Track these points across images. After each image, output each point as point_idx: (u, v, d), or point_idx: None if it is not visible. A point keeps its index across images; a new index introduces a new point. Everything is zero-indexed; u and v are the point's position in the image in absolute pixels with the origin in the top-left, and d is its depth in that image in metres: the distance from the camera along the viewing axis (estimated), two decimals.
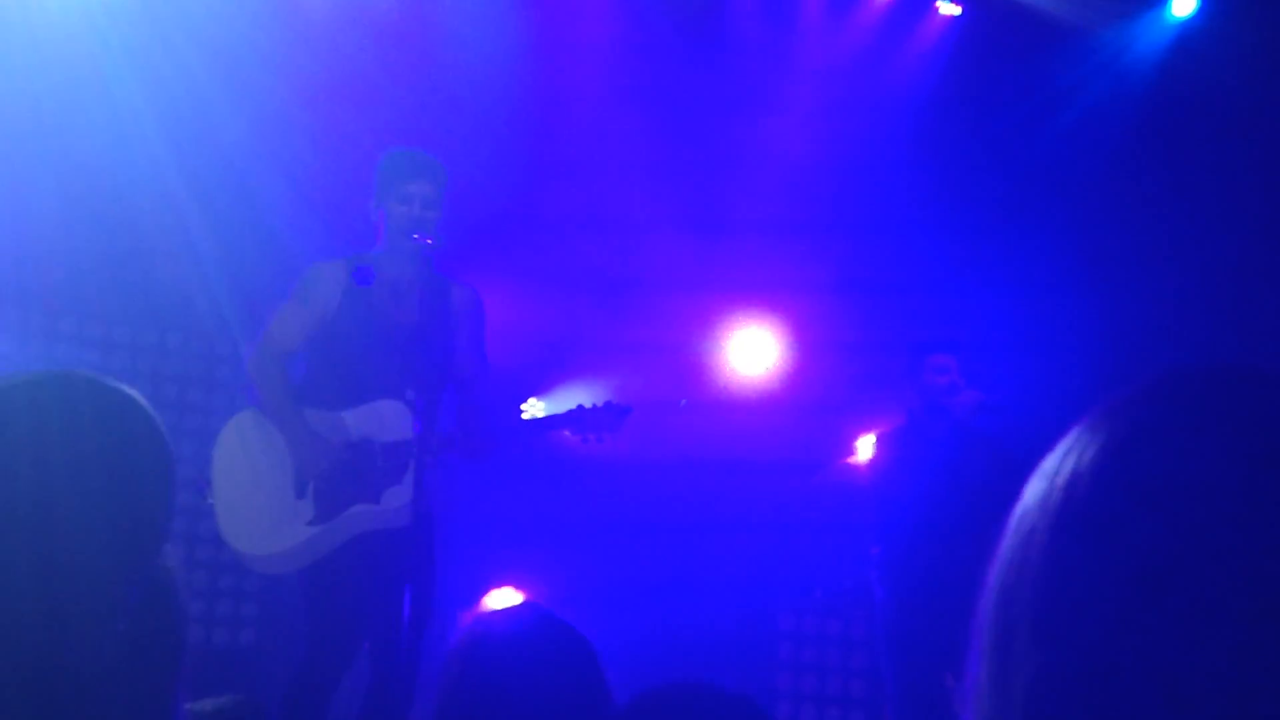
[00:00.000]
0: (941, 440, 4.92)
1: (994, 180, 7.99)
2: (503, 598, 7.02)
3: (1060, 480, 0.73)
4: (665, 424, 7.91)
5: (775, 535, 7.62)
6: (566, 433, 4.28)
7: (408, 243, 4.20)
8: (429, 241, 4.05)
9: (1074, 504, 0.71)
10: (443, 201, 4.33)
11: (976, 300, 7.99)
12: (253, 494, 4.14)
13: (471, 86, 7.32)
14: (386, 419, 4.28)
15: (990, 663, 0.73)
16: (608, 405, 4.26)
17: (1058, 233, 7.92)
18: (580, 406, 4.26)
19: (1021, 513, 0.75)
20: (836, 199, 8.00)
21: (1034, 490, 0.75)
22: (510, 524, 7.60)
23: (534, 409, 8.24)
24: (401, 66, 7.01)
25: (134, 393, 1.45)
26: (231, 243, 6.77)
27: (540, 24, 7.42)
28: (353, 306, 4.30)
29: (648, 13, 7.55)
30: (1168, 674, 0.64)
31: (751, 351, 8.41)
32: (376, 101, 6.82)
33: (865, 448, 7.92)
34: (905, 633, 4.72)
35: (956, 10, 7.84)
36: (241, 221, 6.79)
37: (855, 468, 7.68)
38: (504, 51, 7.38)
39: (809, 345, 8.36)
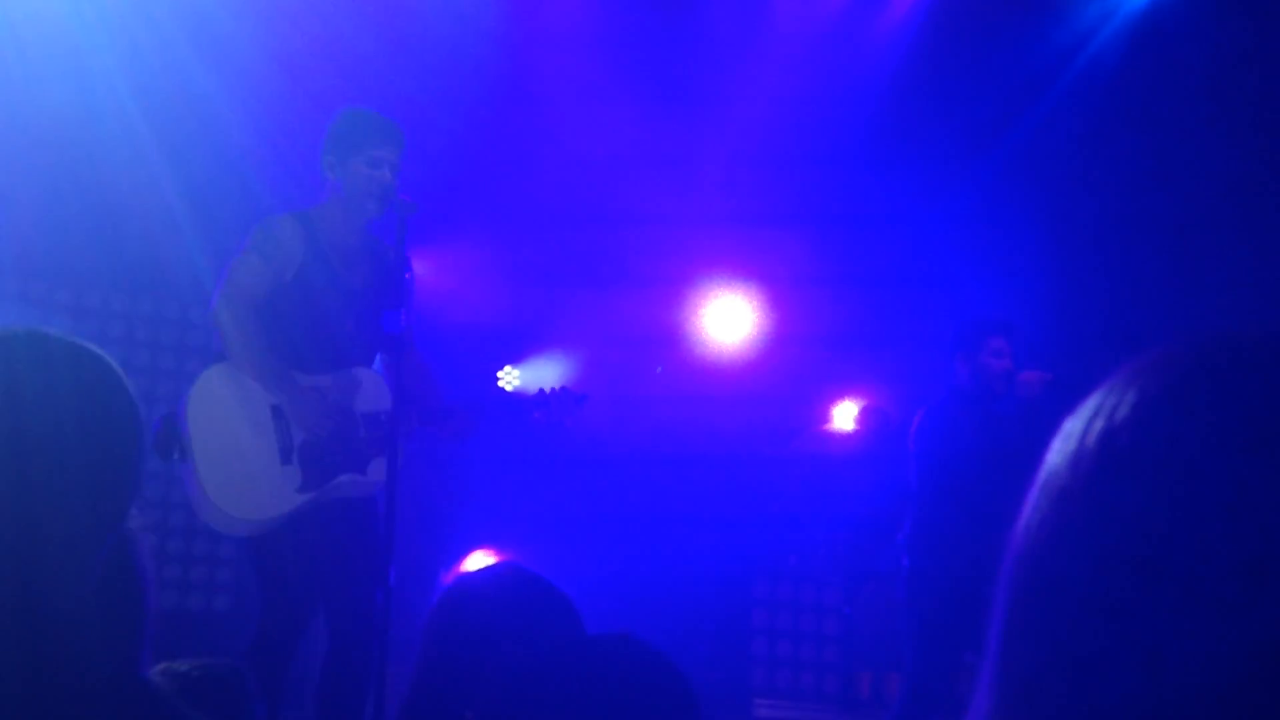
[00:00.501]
0: (1007, 420, 4.87)
1: (970, 149, 7.99)
2: (481, 559, 7.03)
3: (1092, 439, 0.71)
4: (642, 391, 7.92)
5: (750, 502, 7.65)
6: (533, 414, 4.40)
7: (374, 205, 4.12)
8: (413, 203, 3.94)
9: (1113, 457, 0.70)
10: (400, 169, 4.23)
11: (956, 273, 8.02)
12: (241, 456, 3.92)
13: (448, 54, 7.26)
14: (364, 388, 4.19)
15: (1015, 623, 0.72)
16: (564, 392, 4.37)
17: (1033, 206, 7.95)
18: (540, 391, 4.35)
19: (1048, 476, 0.73)
20: (812, 170, 7.99)
21: (1061, 452, 0.73)
22: (490, 490, 7.62)
23: (510, 377, 8.24)
24: (380, 28, 6.95)
25: (101, 352, 1.43)
26: (206, 206, 6.72)
27: (517, 2, 7.37)
28: (313, 268, 4.12)
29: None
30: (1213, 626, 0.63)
31: (727, 319, 8.42)
32: (353, 63, 6.76)
33: (841, 415, 7.96)
34: (932, 610, 4.70)
35: None
36: (216, 186, 6.73)
37: (831, 435, 7.71)
38: (482, 23, 7.33)
39: (784, 314, 8.38)
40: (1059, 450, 0.74)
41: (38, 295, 6.84)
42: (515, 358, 8.25)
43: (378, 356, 4.36)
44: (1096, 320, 7.47)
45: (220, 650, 4.06)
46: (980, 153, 7.92)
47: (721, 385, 8.23)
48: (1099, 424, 0.72)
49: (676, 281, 8.21)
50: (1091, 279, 7.83)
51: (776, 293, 8.41)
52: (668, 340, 8.27)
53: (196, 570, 6.83)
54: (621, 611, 6.59)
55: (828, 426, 7.99)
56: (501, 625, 1.98)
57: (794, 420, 7.95)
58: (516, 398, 4.53)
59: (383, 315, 3.88)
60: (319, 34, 6.74)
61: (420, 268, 4.57)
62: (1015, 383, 4.96)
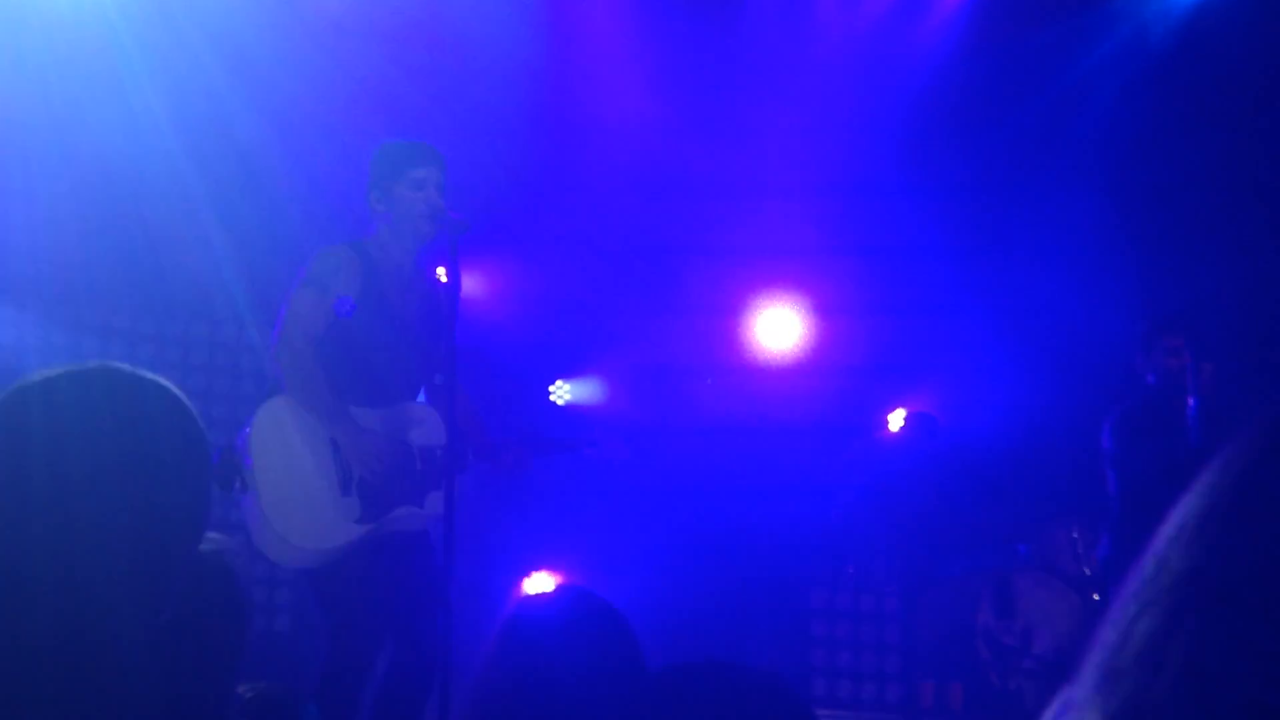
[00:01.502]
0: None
1: (1014, 151, 7.92)
2: (540, 582, 7.03)
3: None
4: (693, 404, 7.90)
5: (807, 511, 7.60)
6: (586, 449, 4.60)
7: (426, 227, 4.13)
8: (463, 222, 3.94)
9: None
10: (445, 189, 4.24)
11: (999, 277, 7.95)
12: (303, 486, 3.94)
13: (484, 71, 7.29)
14: (420, 422, 4.20)
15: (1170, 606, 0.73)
16: (616, 429, 4.44)
17: (1083, 208, 7.86)
18: (592, 428, 4.44)
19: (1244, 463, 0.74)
20: (859, 174, 7.95)
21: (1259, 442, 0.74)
22: (544, 510, 7.62)
23: (561, 391, 8.25)
24: (413, 57, 6.99)
25: (169, 384, 1.45)
26: (246, 233, 6.78)
27: (554, 8, 7.38)
28: (370, 299, 4.13)
29: (660, 11, 7.49)
30: None
31: (778, 327, 8.38)
32: (387, 91, 6.81)
33: (895, 423, 7.90)
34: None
35: None
36: (256, 212, 6.79)
37: (886, 443, 7.65)
38: (517, 37, 7.35)
39: (835, 321, 8.33)
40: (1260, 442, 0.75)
41: (94, 323, 6.93)
42: (566, 372, 8.25)
43: (423, 389, 4.37)
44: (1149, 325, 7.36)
45: (279, 673, 4.08)
46: (1030, 162, 7.84)
47: (773, 396, 8.19)
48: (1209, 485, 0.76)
49: (727, 292, 8.18)
50: (1151, 284, 7.72)
51: (826, 301, 8.36)
52: (718, 352, 8.25)
53: (257, 591, 6.88)
54: (678, 624, 6.56)
55: (882, 434, 7.93)
56: (563, 650, 1.98)
57: (848, 429, 7.89)
58: (569, 431, 4.57)
59: (443, 342, 3.93)
60: (356, 61, 6.79)
61: (472, 284, 4.58)
62: (1197, 379, 4.86)
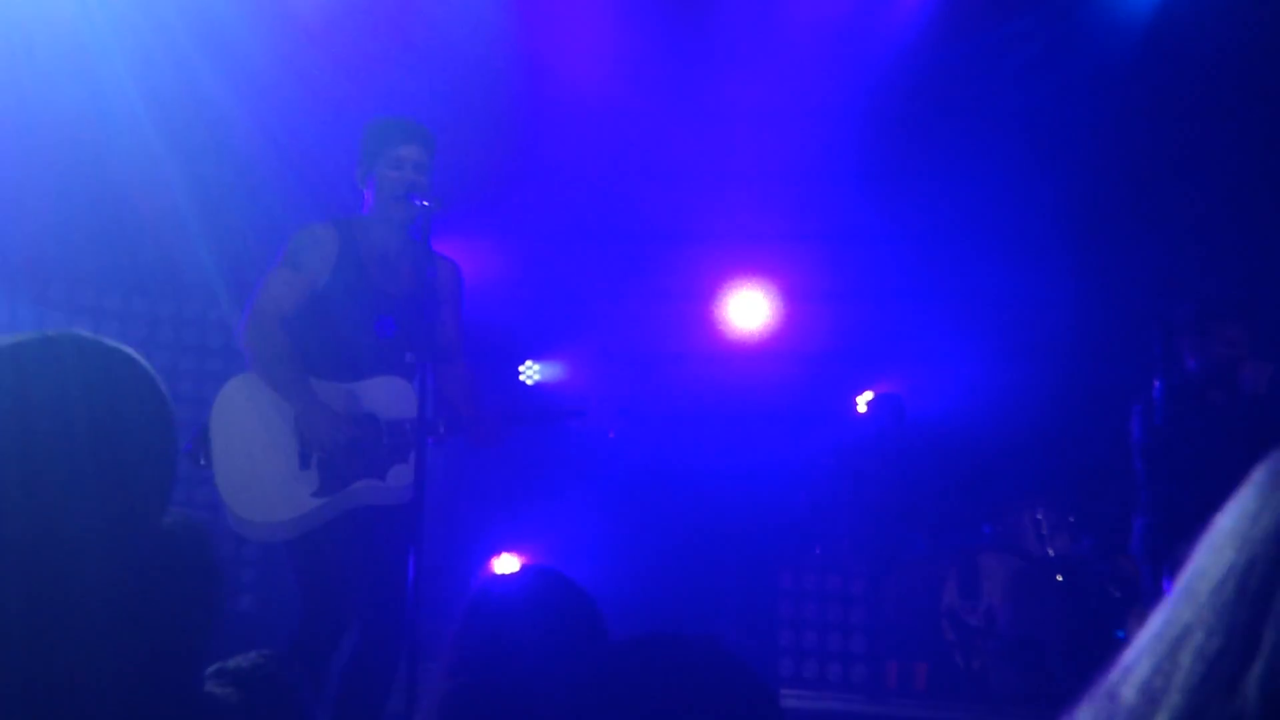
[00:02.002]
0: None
1: (983, 139, 7.96)
2: (507, 562, 7.04)
3: None
4: (662, 386, 7.92)
5: (774, 493, 7.63)
6: (570, 422, 4.55)
7: (401, 208, 4.14)
8: (426, 203, 3.96)
9: None
10: (432, 168, 4.24)
11: (966, 263, 8.00)
12: (256, 461, 4.03)
13: (459, 53, 7.26)
14: (390, 396, 4.20)
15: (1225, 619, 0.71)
16: (603, 402, 4.49)
17: (1050, 200, 7.91)
18: (577, 400, 4.47)
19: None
20: (828, 160, 7.96)
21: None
22: (513, 490, 7.62)
23: (531, 372, 8.24)
24: (391, 36, 6.94)
25: (134, 353, 1.44)
26: (220, 210, 6.73)
27: (534, 11, 7.36)
28: (345, 275, 4.15)
29: None
30: None
31: (748, 311, 8.40)
32: (364, 68, 6.76)
33: (863, 404, 7.94)
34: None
35: None
36: (230, 189, 6.74)
37: (853, 425, 7.69)
38: (493, 20, 7.32)
39: (804, 305, 8.35)
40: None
41: (58, 298, 6.87)
42: (536, 353, 8.25)
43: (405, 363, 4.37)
44: (1115, 314, 7.42)
45: (246, 649, 4.07)
46: (996, 146, 7.88)
47: (742, 379, 8.21)
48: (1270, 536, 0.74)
49: (697, 276, 8.20)
50: (1110, 272, 7.78)
51: (796, 284, 8.38)
52: (688, 334, 8.26)
53: (246, 572, 6.88)
54: (647, 605, 6.58)
55: (850, 416, 7.97)
56: (529, 629, 1.99)
57: (816, 411, 7.93)
58: (550, 405, 4.59)
59: (427, 320, 3.95)
60: (333, 39, 6.74)
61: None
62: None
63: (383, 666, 4.10)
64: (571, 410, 4.55)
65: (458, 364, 4.40)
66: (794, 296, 8.39)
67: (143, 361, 1.45)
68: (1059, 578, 6.32)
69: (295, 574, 4.15)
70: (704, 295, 8.34)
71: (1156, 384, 4.85)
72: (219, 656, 2.41)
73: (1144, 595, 5.07)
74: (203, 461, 4.00)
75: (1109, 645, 4.56)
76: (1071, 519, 6.62)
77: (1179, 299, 6.46)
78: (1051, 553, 6.54)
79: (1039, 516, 6.65)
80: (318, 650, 4.03)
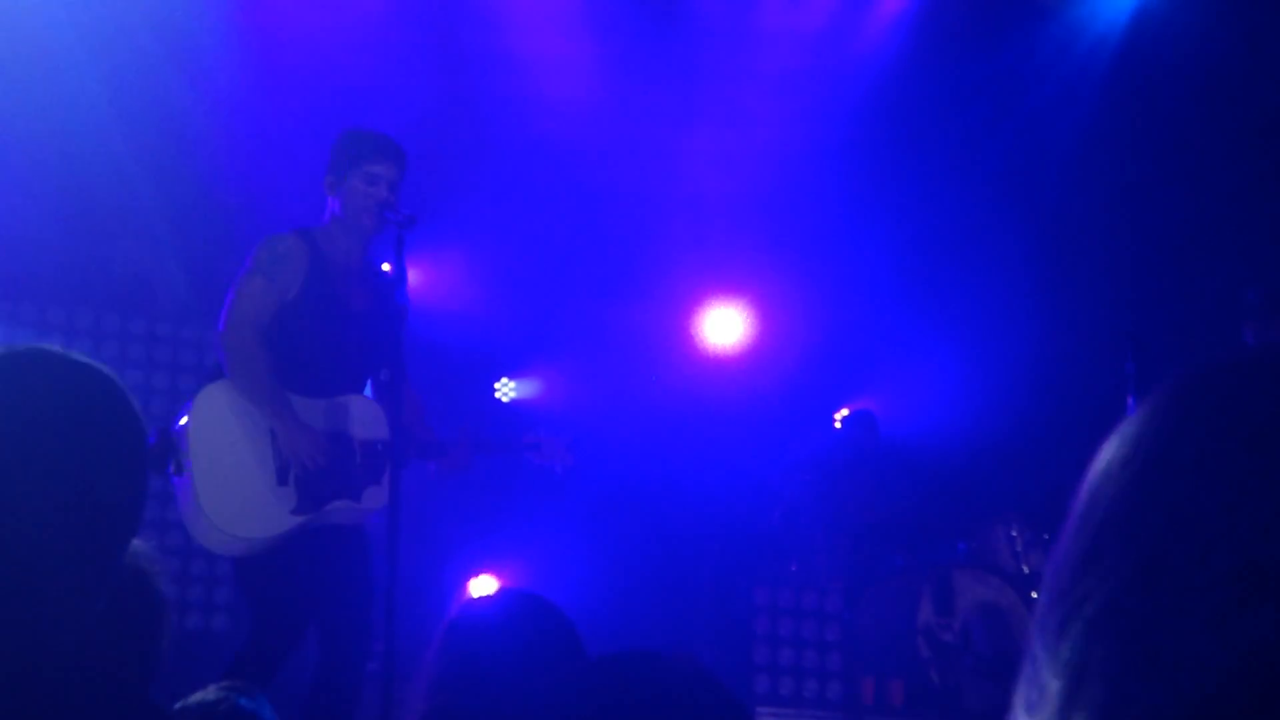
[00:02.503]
0: None
1: (956, 157, 8.01)
2: (485, 584, 7.00)
3: (1113, 459, 0.71)
4: (638, 401, 7.91)
5: (750, 509, 7.63)
6: (526, 454, 4.51)
7: (371, 221, 4.11)
8: (408, 219, 3.94)
9: (1122, 470, 0.70)
10: (401, 187, 4.21)
11: (941, 279, 8.04)
12: (235, 474, 3.92)
13: (436, 69, 7.26)
14: (362, 415, 4.15)
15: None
16: (558, 435, 4.47)
17: (1023, 217, 7.97)
18: (536, 431, 4.43)
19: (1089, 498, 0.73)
20: (802, 178, 8.00)
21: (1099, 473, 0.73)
22: (490, 508, 7.59)
23: (506, 389, 8.22)
24: (362, 49, 6.94)
25: (105, 369, 1.41)
26: (193, 226, 6.70)
27: (512, 22, 7.36)
28: (315, 288, 4.09)
29: (614, 16, 7.50)
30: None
31: (724, 326, 8.42)
32: (337, 82, 6.75)
33: (838, 419, 7.96)
34: None
35: None
36: (203, 204, 6.71)
37: (828, 440, 7.70)
38: (469, 35, 7.33)
39: (780, 322, 8.37)
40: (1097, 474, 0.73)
41: (29, 317, 6.82)
42: (512, 370, 8.23)
43: (369, 382, 4.33)
44: (1088, 331, 7.47)
45: (217, 672, 4.02)
46: (969, 165, 7.93)
47: (718, 394, 8.22)
48: (1120, 446, 0.72)
49: (671, 292, 8.20)
50: (1083, 289, 7.84)
51: (771, 301, 8.40)
52: (663, 350, 8.26)
53: (193, 590, 6.80)
54: (623, 623, 6.56)
55: (825, 432, 7.99)
56: (507, 651, 1.98)
57: (791, 427, 7.94)
58: (512, 431, 4.54)
59: (388, 336, 3.91)
60: (304, 52, 6.73)
61: (418, 279, 4.56)
62: None
63: (347, 686, 4.05)
64: (527, 444, 4.48)
65: (407, 387, 4.34)
66: (769, 313, 8.41)
67: (114, 378, 1.42)
68: (1034, 595, 6.34)
69: (245, 591, 4.07)
70: (680, 311, 8.34)
71: (1130, 401, 4.88)
72: (190, 676, 2.38)
73: None
74: (172, 470, 3.88)
75: None
76: (1046, 536, 6.64)
77: (1151, 316, 6.50)
78: (1026, 570, 6.56)
79: (1014, 533, 6.67)
80: (255, 671, 3.94)
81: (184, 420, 3.93)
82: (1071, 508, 0.75)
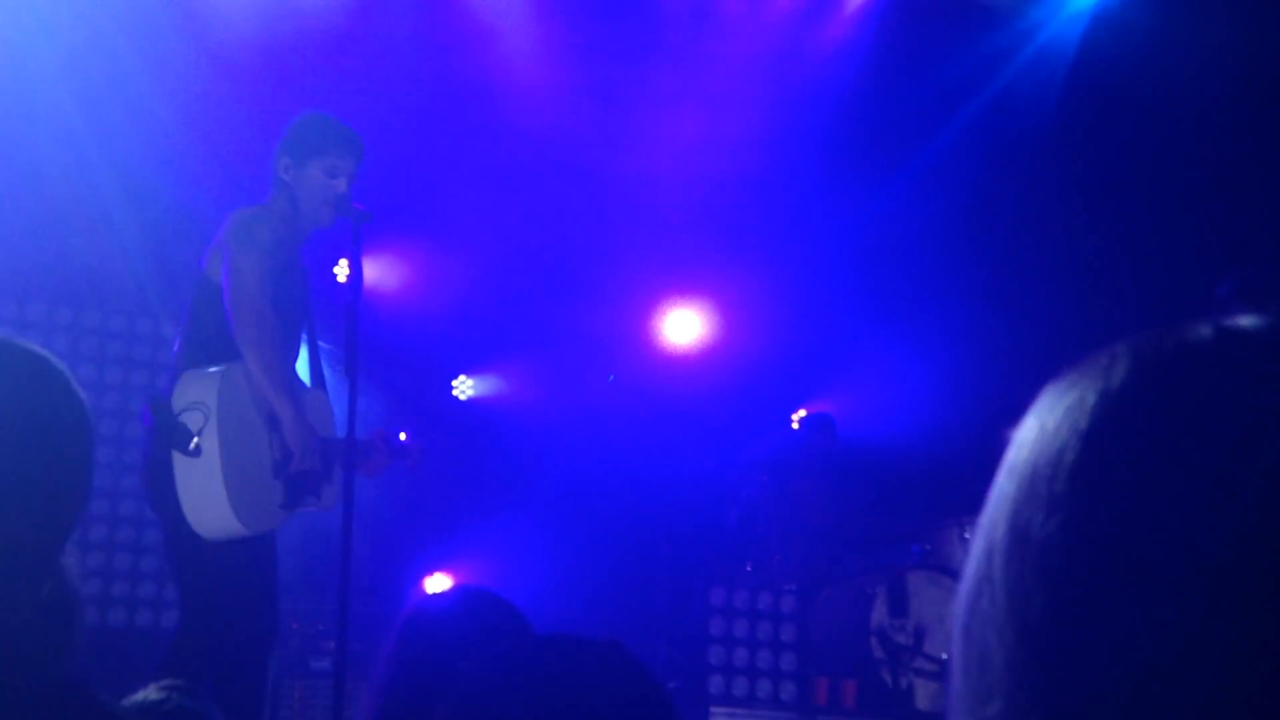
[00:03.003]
0: None
1: (915, 159, 8.07)
2: (439, 582, 6.98)
3: (1080, 427, 0.68)
4: (594, 399, 7.91)
5: (706, 510, 7.65)
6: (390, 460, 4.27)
7: (327, 214, 4.04)
8: (369, 214, 3.91)
9: (1073, 461, 0.67)
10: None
11: (896, 285, 8.10)
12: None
13: (391, 61, 7.23)
14: (318, 409, 4.10)
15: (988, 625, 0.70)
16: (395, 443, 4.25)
17: (979, 223, 8.05)
18: (372, 440, 4.18)
19: (1027, 476, 0.70)
20: (761, 180, 8.03)
21: (1035, 452, 0.70)
22: (444, 504, 7.57)
23: (464, 386, 8.19)
24: (323, 43, 6.89)
25: (51, 356, 1.39)
26: (150, 218, 6.62)
27: (469, 14, 7.34)
28: (281, 275, 3.97)
29: (573, 10, 7.50)
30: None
31: (682, 326, 8.43)
32: (300, 78, 6.70)
33: (794, 421, 7.99)
34: None
35: None
36: (160, 197, 6.64)
37: (785, 440, 7.73)
38: (431, 35, 7.30)
39: (738, 322, 8.40)
40: (1033, 450, 0.71)
41: None
42: (469, 368, 8.20)
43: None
44: (1044, 334, 7.54)
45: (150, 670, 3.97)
46: (931, 163, 7.99)
47: (675, 395, 8.23)
48: (1062, 426, 0.69)
49: (630, 292, 8.20)
50: (1038, 292, 7.91)
51: (730, 301, 8.42)
52: (620, 348, 8.26)
53: (144, 586, 6.72)
54: (578, 621, 6.56)
55: (781, 433, 8.01)
56: (461, 648, 1.98)
57: (748, 428, 7.96)
58: (403, 442, 4.36)
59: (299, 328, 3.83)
60: (263, 42, 6.68)
61: (374, 275, 4.53)
62: None
63: (259, 679, 3.96)
64: (416, 450, 4.30)
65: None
66: (728, 314, 8.43)
67: (60, 365, 1.39)
68: None
69: (181, 579, 3.91)
70: (638, 311, 8.35)
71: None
72: (138, 674, 2.36)
73: None
74: (191, 449, 3.65)
75: None
76: None
77: (1107, 319, 6.57)
78: None
79: (967, 535, 6.72)
80: (196, 666, 3.81)
81: (203, 399, 3.69)
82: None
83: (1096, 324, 7.26)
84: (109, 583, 6.58)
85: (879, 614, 6.34)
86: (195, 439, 3.65)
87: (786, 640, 6.58)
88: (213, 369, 3.79)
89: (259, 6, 6.68)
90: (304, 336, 4.18)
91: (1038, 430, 0.72)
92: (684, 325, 8.48)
